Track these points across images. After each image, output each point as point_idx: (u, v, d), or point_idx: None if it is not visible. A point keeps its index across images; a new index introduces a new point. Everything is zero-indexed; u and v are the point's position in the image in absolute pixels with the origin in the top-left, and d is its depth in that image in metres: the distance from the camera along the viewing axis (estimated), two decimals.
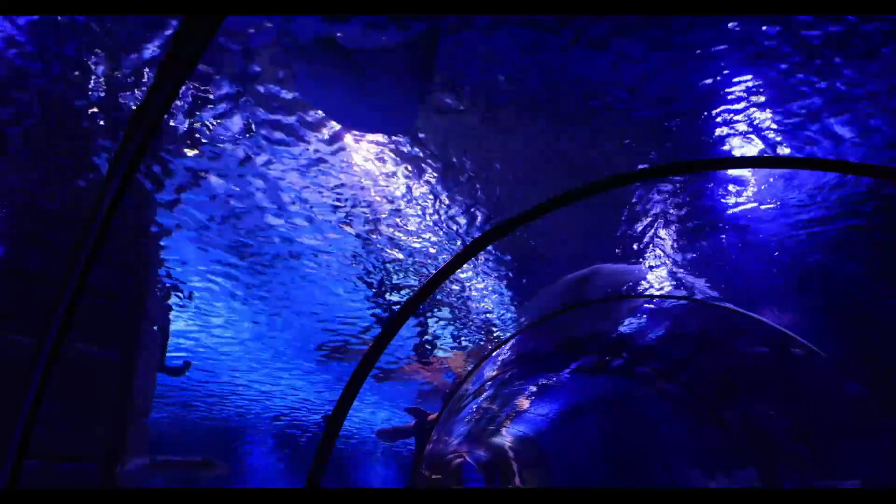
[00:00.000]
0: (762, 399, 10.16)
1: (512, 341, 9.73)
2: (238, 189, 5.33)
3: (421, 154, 5.07)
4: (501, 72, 4.21)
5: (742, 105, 4.66)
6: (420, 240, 6.49)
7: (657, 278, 7.99)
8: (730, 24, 3.87)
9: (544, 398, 15.34)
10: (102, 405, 5.20)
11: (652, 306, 9.14)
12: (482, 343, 9.90)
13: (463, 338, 9.68)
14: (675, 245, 7.04)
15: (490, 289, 8.07)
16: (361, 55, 3.81)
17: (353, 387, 4.25)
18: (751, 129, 4.93)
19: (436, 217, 6.05)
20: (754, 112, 4.74)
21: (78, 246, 2.63)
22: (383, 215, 5.98)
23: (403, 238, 6.45)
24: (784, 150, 5.14)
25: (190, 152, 4.76)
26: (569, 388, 13.89)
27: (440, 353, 10.20)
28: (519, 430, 19.63)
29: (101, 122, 4.29)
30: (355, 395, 4.27)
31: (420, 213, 5.97)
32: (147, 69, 3.89)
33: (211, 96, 4.24)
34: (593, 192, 4.00)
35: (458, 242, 6.49)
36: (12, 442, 2.70)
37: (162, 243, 6.09)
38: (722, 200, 6.11)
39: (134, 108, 4.12)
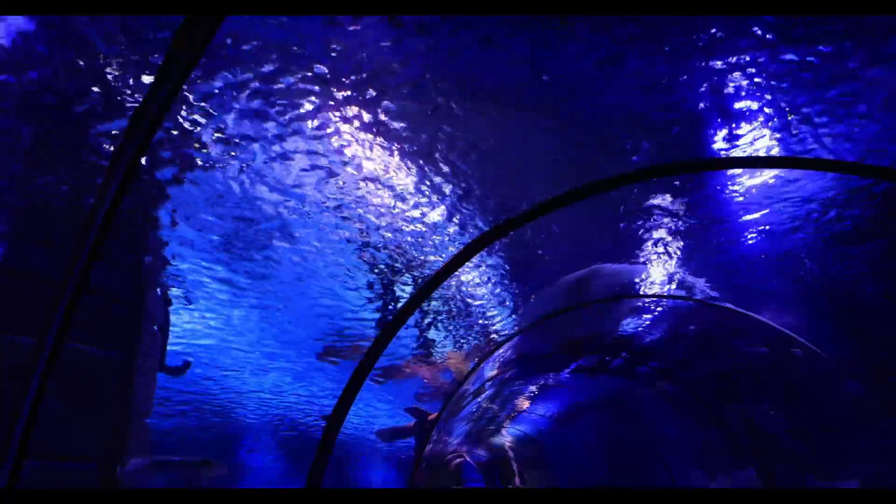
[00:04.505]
0: (762, 399, 10.16)
1: (512, 341, 9.74)
2: (239, 188, 5.33)
3: (423, 152, 5.07)
4: (501, 70, 4.21)
5: (743, 102, 4.66)
6: (421, 239, 6.49)
7: (657, 278, 8.00)
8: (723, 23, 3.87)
9: (544, 398, 15.34)
10: (102, 405, 5.20)
11: (652, 306, 9.14)
12: (482, 343, 9.90)
13: (463, 338, 9.69)
14: (676, 245, 7.05)
15: (490, 288, 8.07)
16: None
17: (353, 387, 4.25)
18: (752, 129, 4.93)
19: (436, 216, 6.05)
20: (757, 111, 4.74)
21: (78, 245, 2.63)
22: (384, 214, 5.98)
23: (404, 237, 6.45)
24: (784, 150, 5.15)
25: (191, 149, 4.77)
26: (569, 387, 13.90)
27: (440, 353, 10.20)
28: (519, 429, 19.64)
29: (102, 121, 4.29)
30: (355, 394, 4.28)
31: (421, 211, 5.97)
32: (148, 69, 3.89)
33: (212, 90, 4.24)
34: (593, 191, 4.00)
35: (459, 242, 6.49)
36: (12, 442, 2.70)
37: (162, 243, 6.09)
38: (722, 200, 6.11)
39: (135, 107, 4.12)
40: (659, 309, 9.16)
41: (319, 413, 12.50)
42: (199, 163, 4.93)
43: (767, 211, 6.20)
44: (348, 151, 4.99)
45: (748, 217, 6.35)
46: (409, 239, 6.47)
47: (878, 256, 6.64)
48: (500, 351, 10.07)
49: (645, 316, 9.54)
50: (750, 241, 6.83)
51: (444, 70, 4.17)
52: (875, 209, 5.94)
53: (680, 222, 6.52)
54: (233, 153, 4.87)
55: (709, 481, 12.32)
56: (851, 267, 6.91)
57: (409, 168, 5.26)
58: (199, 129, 4.55)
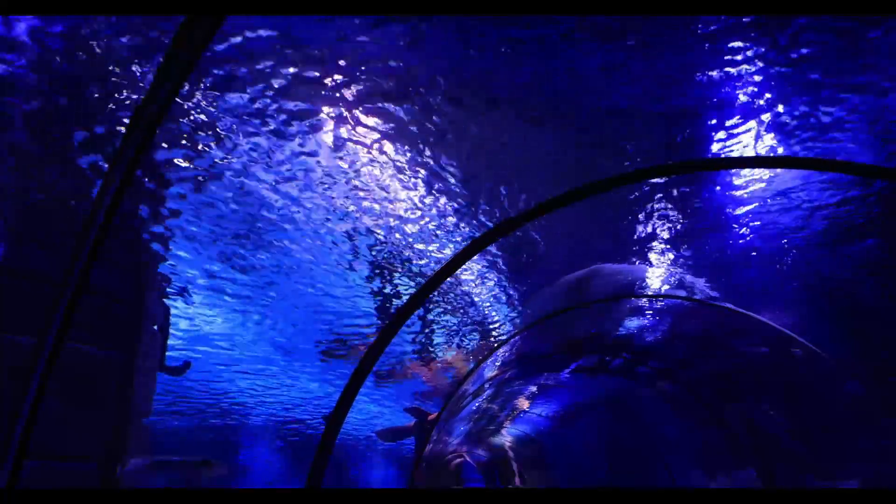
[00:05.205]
0: (762, 399, 10.16)
1: (512, 341, 9.73)
2: (239, 189, 5.33)
3: (422, 153, 5.07)
4: (502, 70, 4.21)
5: (743, 103, 4.66)
6: (421, 239, 6.49)
7: (657, 278, 7.99)
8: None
9: (544, 398, 15.34)
10: (102, 405, 5.20)
11: (652, 306, 9.13)
12: (482, 343, 9.90)
13: (463, 338, 9.68)
14: (676, 245, 7.04)
15: (491, 289, 8.07)
16: None
17: (353, 386, 4.25)
18: (753, 129, 4.93)
19: (437, 216, 6.05)
20: (758, 111, 4.74)
21: (78, 245, 2.63)
22: (385, 214, 5.98)
23: (404, 237, 6.45)
24: (785, 150, 5.15)
25: (190, 151, 4.76)
26: (569, 387, 13.89)
27: (440, 353, 10.20)
28: (519, 429, 19.63)
29: (103, 122, 4.29)
30: (355, 394, 4.27)
31: (421, 212, 5.97)
32: (148, 68, 3.88)
33: (211, 95, 4.24)
34: (593, 191, 4.00)
35: (459, 242, 6.49)
36: (12, 442, 2.70)
37: (162, 243, 6.09)
38: (722, 200, 6.11)
39: (134, 107, 4.11)
40: (659, 309, 9.15)
41: (320, 413, 12.49)
42: (200, 164, 4.93)
43: (767, 211, 6.20)
44: (349, 153, 4.99)
45: (748, 217, 6.35)
46: (409, 239, 6.47)
47: (878, 256, 6.64)
48: (501, 351, 10.07)
49: (645, 316, 9.54)
50: (750, 241, 6.83)
51: (445, 71, 4.17)
52: (875, 209, 5.94)
53: (680, 222, 6.51)
54: (234, 155, 4.87)
55: (709, 481, 12.32)
56: (851, 267, 6.91)
57: (409, 169, 5.26)
58: (199, 129, 4.55)
